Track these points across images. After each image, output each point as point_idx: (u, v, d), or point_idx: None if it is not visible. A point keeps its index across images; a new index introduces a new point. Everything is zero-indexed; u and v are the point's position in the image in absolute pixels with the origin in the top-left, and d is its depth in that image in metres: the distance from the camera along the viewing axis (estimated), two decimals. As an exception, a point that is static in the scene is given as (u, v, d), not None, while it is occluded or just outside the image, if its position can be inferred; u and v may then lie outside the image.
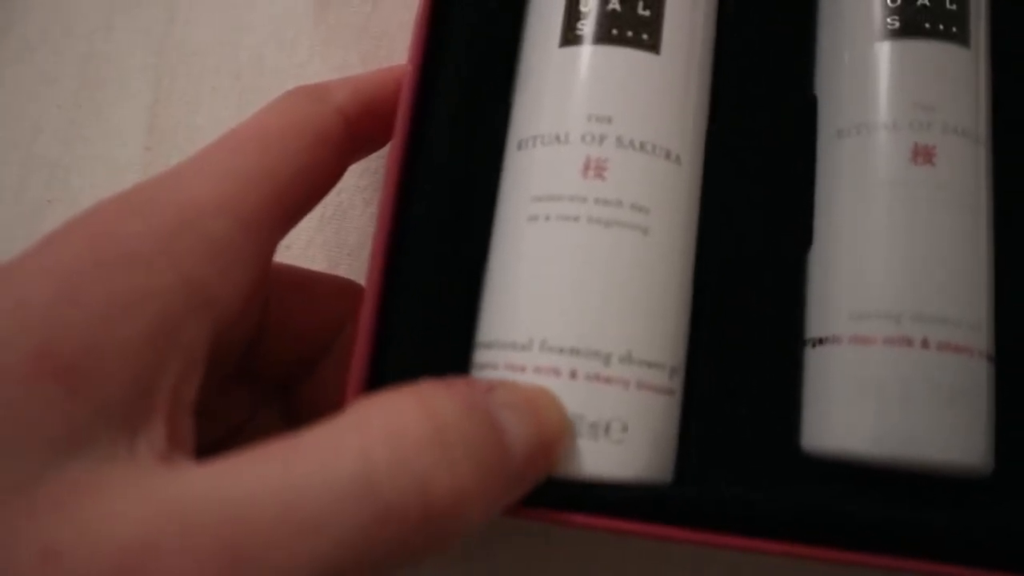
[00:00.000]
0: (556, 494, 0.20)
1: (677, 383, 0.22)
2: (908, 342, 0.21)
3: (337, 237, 0.29)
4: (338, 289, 0.25)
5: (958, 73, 0.23)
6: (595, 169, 0.21)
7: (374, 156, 0.30)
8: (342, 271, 0.29)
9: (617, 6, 0.23)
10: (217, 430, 0.23)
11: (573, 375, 0.20)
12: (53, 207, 0.30)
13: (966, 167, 0.22)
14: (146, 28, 0.32)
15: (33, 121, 0.31)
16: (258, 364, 0.23)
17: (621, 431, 0.20)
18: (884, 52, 0.23)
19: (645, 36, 0.22)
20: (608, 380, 0.20)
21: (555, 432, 0.19)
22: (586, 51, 0.22)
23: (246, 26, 0.32)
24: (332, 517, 0.14)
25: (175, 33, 0.32)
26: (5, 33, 0.32)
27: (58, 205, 0.30)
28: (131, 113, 0.31)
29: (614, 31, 0.22)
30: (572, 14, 0.23)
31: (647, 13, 0.23)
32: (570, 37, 0.23)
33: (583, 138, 0.22)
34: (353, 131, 0.22)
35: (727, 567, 0.26)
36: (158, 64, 0.31)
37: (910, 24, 0.23)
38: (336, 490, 0.14)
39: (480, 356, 0.22)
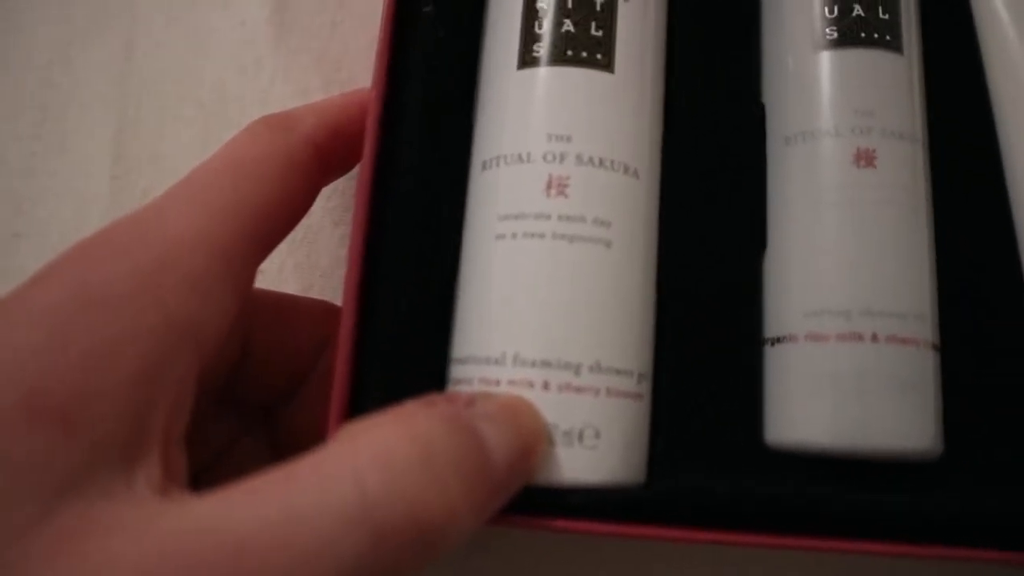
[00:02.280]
0: (535, 501, 0.21)
1: (645, 388, 0.23)
2: (859, 337, 0.22)
3: (308, 260, 0.29)
4: (316, 311, 0.26)
5: (894, 79, 0.24)
6: (557, 187, 0.22)
7: (342, 178, 0.30)
8: (315, 292, 0.29)
9: (571, 27, 0.23)
10: (203, 455, 0.23)
11: (546, 386, 0.21)
12: (20, 241, 0.30)
13: (905, 168, 0.24)
14: (105, 59, 0.32)
15: (-4, 156, 0.31)
16: (241, 389, 0.24)
17: (594, 437, 0.21)
18: (824, 61, 0.24)
19: (599, 56, 0.23)
20: (579, 389, 0.21)
21: (534, 438, 0.20)
22: (543, 72, 0.23)
23: (207, 53, 0.32)
24: (331, 546, 0.14)
25: (136, 63, 0.32)
26: (-38, 70, 0.32)
27: (25, 239, 0.30)
28: (95, 144, 0.31)
29: (569, 52, 0.23)
30: (528, 36, 0.24)
31: (599, 33, 0.24)
32: (527, 59, 0.24)
33: (544, 157, 0.23)
34: (322, 157, 0.23)
35: (706, 560, 0.27)
36: (120, 94, 0.31)
37: (847, 34, 0.24)
38: (333, 518, 0.15)
39: (456, 371, 0.23)
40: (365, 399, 0.23)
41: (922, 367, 0.23)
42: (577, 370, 0.21)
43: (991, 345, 0.25)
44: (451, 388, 0.23)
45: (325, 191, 0.30)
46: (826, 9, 0.25)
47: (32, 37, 0.32)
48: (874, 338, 0.22)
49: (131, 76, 0.32)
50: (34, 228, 0.30)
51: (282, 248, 0.30)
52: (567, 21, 0.23)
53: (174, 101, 0.31)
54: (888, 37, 0.24)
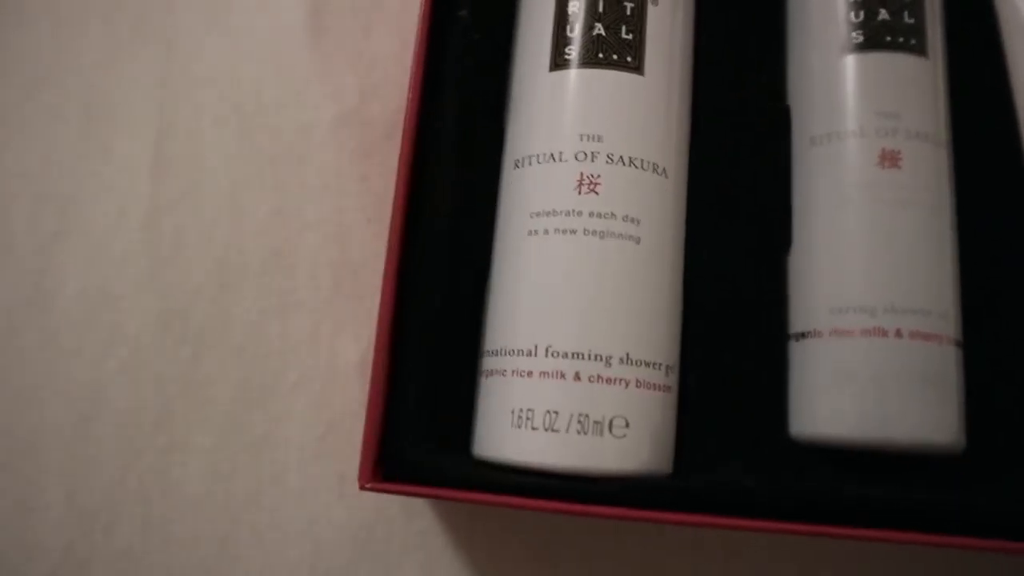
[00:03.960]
0: (565, 487, 0.21)
1: (673, 380, 0.24)
2: (883, 332, 0.23)
3: (341, 256, 0.30)
4: None
5: (918, 81, 0.25)
6: (588, 184, 0.23)
7: (374, 176, 0.31)
8: (346, 288, 0.30)
9: (602, 31, 0.24)
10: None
11: (577, 377, 0.22)
12: (62, 240, 0.31)
13: (929, 169, 0.24)
14: (147, 63, 0.33)
15: (42, 156, 0.32)
16: None
17: (623, 427, 0.22)
18: (850, 64, 0.25)
19: (629, 58, 0.24)
20: (609, 380, 0.22)
21: None
22: (575, 74, 0.24)
23: (244, 56, 0.33)
24: None
25: (175, 67, 0.33)
26: (12, 72, 0.33)
27: (66, 238, 0.31)
28: (137, 145, 0.32)
29: (600, 55, 0.24)
30: (560, 40, 0.24)
31: (630, 36, 0.24)
32: (559, 62, 0.24)
33: (576, 156, 0.23)
34: None
35: (728, 550, 0.27)
36: (161, 97, 0.32)
37: (872, 38, 0.25)
38: None
39: (488, 363, 0.24)
40: (401, 390, 0.24)
41: (945, 363, 0.23)
42: (608, 361, 0.22)
43: (1013, 342, 0.25)
44: (483, 379, 0.24)
45: (357, 189, 0.31)
46: (852, 13, 0.25)
47: (78, 43, 0.33)
48: (898, 334, 0.23)
49: (171, 79, 0.33)
50: (76, 227, 0.31)
51: (314, 245, 0.30)
52: (598, 24, 0.24)
53: (212, 103, 0.32)
54: (913, 41, 0.25)
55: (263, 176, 0.31)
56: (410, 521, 0.28)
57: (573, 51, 0.24)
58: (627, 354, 0.22)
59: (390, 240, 0.23)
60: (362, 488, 0.21)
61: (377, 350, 0.23)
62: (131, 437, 0.29)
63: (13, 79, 0.33)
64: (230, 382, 0.29)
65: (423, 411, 0.24)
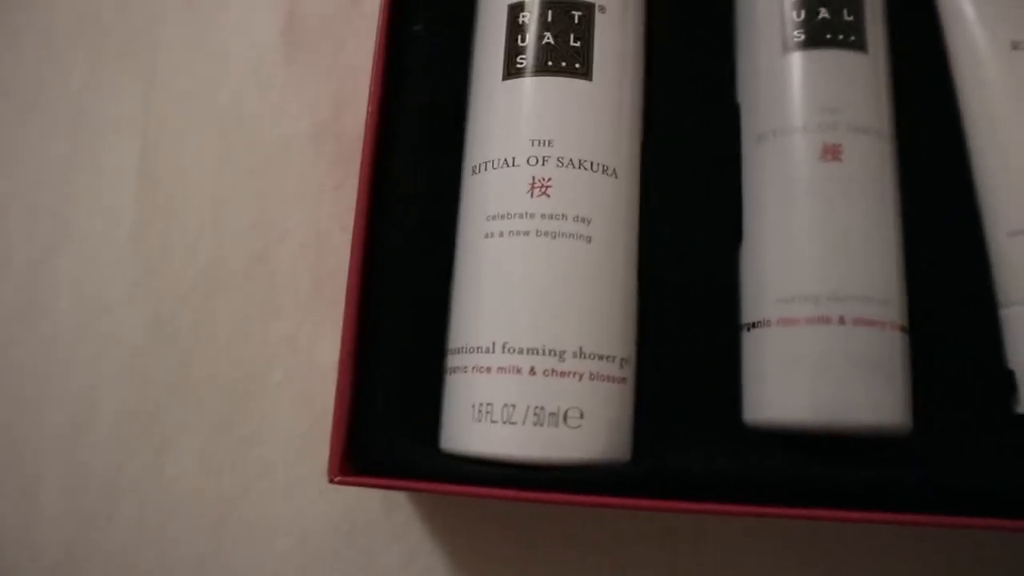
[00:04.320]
0: (524, 477, 0.23)
1: (629, 372, 0.25)
2: (827, 320, 0.24)
3: (319, 261, 0.32)
4: None
5: (858, 77, 0.26)
6: (540, 188, 0.24)
7: (347, 186, 0.32)
8: (325, 291, 0.31)
9: (551, 40, 0.25)
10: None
11: (532, 371, 0.23)
12: (56, 253, 0.33)
13: (871, 161, 0.25)
14: (130, 80, 0.34)
15: (34, 173, 0.34)
16: None
17: (578, 418, 0.23)
18: (792, 62, 0.26)
19: (578, 65, 0.25)
20: (563, 374, 0.23)
21: None
22: (527, 82, 0.25)
23: (223, 73, 0.34)
24: None
25: (157, 84, 0.34)
26: (6, 95, 0.35)
27: (60, 251, 0.33)
28: (123, 161, 0.34)
29: (550, 63, 0.25)
30: (512, 49, 0.26)
31: (578, 44, 0.25)
32: (512, 70, 0.25)
33: (528, 160, 0.24)
34: None
35: (688, 536, 0.29)
36: (145, 114, 0.34)
37: (813, 36, 0.26)
38: None
39: (452, 360, 0.25)
40: (371, 388, 0.25)
41: (890, 347, 0.24)
42: (561, 356, 0.23)
43: (959, 327, 0.26)
44: (447, 375, 0.25)
45: (332, 198, 0.32)
46: (794, 13, 0.26)
47: (67, 65, 0.35)
48: (841, 321, 0.24)
49: (154, 97, 0.34)
50: (69, 241, 0.33)
51: (295, 251, 0.32)
52: (547, 34, 0.25)
53: (194, 119, 0.34)
54: (852, 37, 0.26)
55: (243, 187, 0.33)
56: (390, 513, 0.30)
57: (525, 60, 0.25)
58: (580, 348, 0.23)
59: (353, 244, 0.24)
60: (331, 482, 0.23)
61: (343, 350, 0.24)
62: (124, 438, 0.31)
63: (7, 101, 0.35)
64: (217, 384, 0.31)
65: (393, 408, 0.25)
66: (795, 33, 0.26)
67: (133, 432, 0.31)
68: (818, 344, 0.24)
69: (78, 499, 0.30)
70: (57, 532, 0.30)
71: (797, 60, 0.26)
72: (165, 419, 0.31)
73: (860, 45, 0.26)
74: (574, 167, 0.24)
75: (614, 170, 0.25)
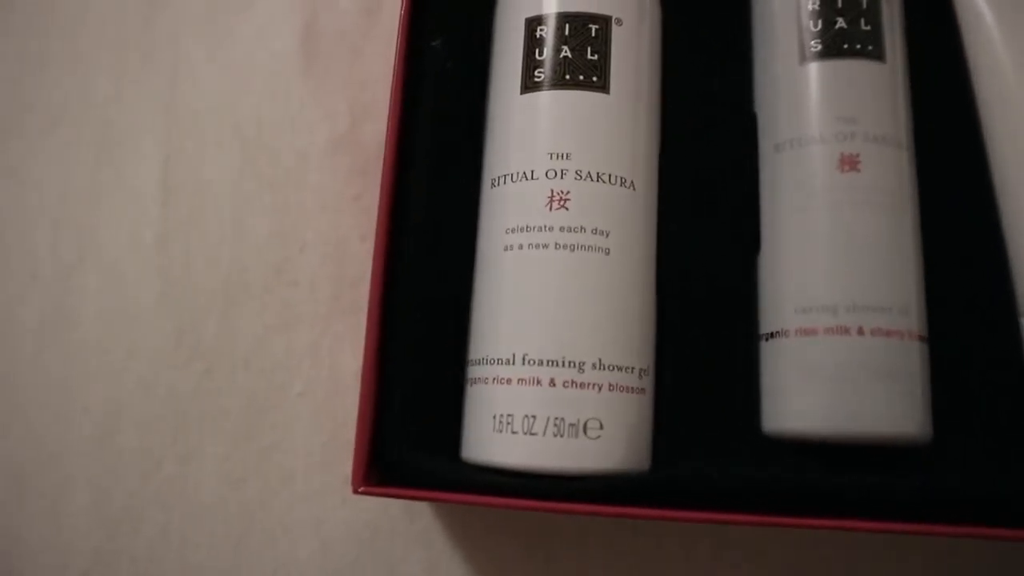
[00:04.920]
0: (545, 488, 0.23)
1: (648, 382, 0.25)
2: (845, 330, 0.24)
3: (339, 271, 0.32)
4: None
5: (875, 86, 0.26)
6: (559, 201, 0.24)
7: (367, 196, 0.33)
8: (344, 301, 0.32)
9: (569, 53, 0.26)
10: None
11: (552, 383, 0.23)
12: (82, 265, 0.33)
13: (889, 171, 0.25)
14: (152, 94, 0.35)
15: (61, 188, 0.34)
16: None
17: (598, 428, 0.23)
18: (809, 73, 0.26)
19: (595, 78, 0.25)
20: (583, 385, 0.23)
21: None
22: (544, 96, 0.25)
23: (243, 84, 0.35)
24: None
25: (179, 95, 0.35)
26: (31, 109, 0.35)
27: (85, 263, 0.33)
28: (146, 173, 0.34)
29: (567, 76, 0.25)
30: (530, 63, 0.26)
31: (595, 57, 0.26)
32: (530, 84, 0.26)
33: (546, 174, 0.25)
34: None
35: (714, 542, 0.29)
36: (167, 126, 0.34)
37: (830, 46, 0.26)
38: None
39: (472, 372, 0.25)
40: (392, 399, 0.25)
41: (908, 357, 0.24)
42: (581, 367, 0.23)
43: (979, 336, 0.26)
44: (468, 387, 0.25)
45: (351, 208, 0.33)
46: (811, 23, 0.26)
47: (92, 80, 0.36)
48: (860, 331, 0.24)
49: (176, 109, 0.35)
50: (94, 253, 0.34)
51: (315, 261, 0.32)
52: (565, 47, 0.26)
53: (215, 130, 0.34)
54: (870, 47, 0.26)
55: (264, 198, 0.33)
56: (412, 522, 0.30)
57: (543, 74, 0.26)
58: (599, 360, 0.24)
59: (375, 256, 0.25)
60: (355, 492, 0.23)
61: (365, 363, 0.24)
62: (150, 448, 0.31)
63: (32, 115, 0.35)
64: (240, 394, 0.31)
65: (414, 418, 0.26)
66: (812, 43, 0.26)
67: (158, 441, 0.31)
68: (837, 354, 0.24)
69: (105, 507, 0.31)
70: (85, 540, 0.30)
71: (814, 70, 0.26)
72: (189, 429, 0.31)
73: (878, 55, 0.26)
74: (592, 180, 0.25)
75: (632, 182, 0.25)
